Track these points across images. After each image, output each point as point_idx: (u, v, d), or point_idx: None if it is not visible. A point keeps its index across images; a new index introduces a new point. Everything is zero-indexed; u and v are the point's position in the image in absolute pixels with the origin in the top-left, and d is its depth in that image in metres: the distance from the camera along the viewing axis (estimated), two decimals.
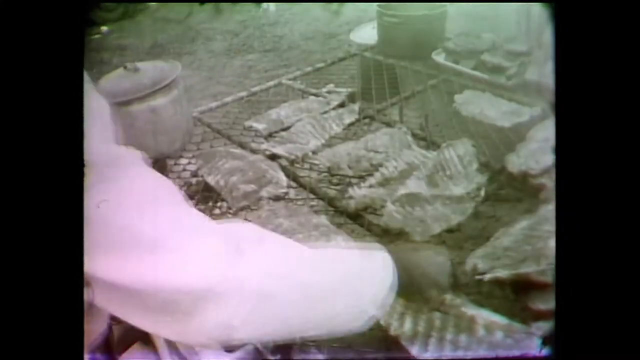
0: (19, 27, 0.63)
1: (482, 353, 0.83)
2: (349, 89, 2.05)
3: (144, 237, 0.63)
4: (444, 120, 1.70)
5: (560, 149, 0.67)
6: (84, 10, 0.65)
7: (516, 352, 0.83)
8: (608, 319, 0.63)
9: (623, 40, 0.67)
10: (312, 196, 1.40)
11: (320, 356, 0.83)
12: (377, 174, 1.41)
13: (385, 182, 1.38)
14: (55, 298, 0.62)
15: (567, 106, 0.67)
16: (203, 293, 0.64)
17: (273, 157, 1.57)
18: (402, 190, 1.29)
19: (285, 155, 1.56)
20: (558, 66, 0.68)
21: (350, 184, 1.42)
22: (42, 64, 0.64)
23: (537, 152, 1.41)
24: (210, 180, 1.49)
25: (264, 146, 1.62)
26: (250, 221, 1.27)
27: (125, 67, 1.59)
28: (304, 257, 0.78)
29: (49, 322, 0.61)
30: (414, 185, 1.30)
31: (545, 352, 0.79)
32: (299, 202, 1.38)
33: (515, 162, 1.38)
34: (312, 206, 1.37)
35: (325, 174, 1.49)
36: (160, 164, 1.68)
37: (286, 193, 1.42)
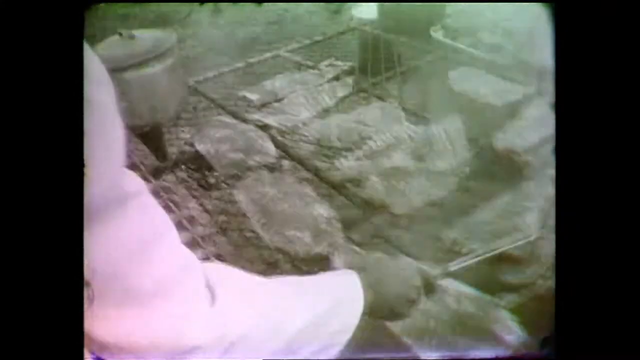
0: (17, 25, 0.62)
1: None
2: (349, 64, 2.05)
3: (137, 291, 0.59)
4: (437, 96, 1.71)
5: (560, 149, 0.67)
6: (82, 10, 0.64)
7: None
8: (608, 319, 0.62)
9: (623, 40, 0.66)
10: (299, 166, 1.42)
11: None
12: (365, 147, 1.43)
13: (372, 155, 1.39)
14: (55, 298, 0.60)
15: (567, 106, 0.66)
16: (190, 348, 0.61)
17: (264, 127, 1.59)
18: (387, 164, 1.31)
19: (275, 126, 1.58)
20: (558, 66, 0.67)
21: (338, 156, 1.43)
22: (42, 64, 0.62)
23: (525, 130, 1.42)
24: (201, 148, 1.51)
25: (256, 116, 1.63)
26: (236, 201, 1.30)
27: (120, 34, 1.60)
28: (278, 293, 0.74)
29: (48, 322, 0.60)
30: (399, 158, 1.32)
31: (545, 352, 0.79)
32: (286, 172, 1.39)
33: (502, 139, 1.39)
34: (298, 176, 1.39)
35: (315, 145, 1.51)
36: (156, 133, 1.71)
37: (274, 163, 1.44)
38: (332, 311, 0.74)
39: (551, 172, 1.27)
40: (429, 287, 0.88)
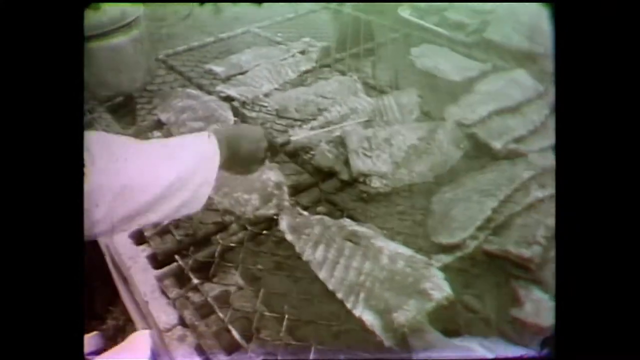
0: (17, 24, 0.65)
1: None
2: (323, 43, 2.06)
3: None
4: (398, 72, 1.75)
5: (561, 149, 0.67)
6: (81, 9, 0.66)
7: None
8: (608, 319, 0.63)
9: (623, 40, 0.66)
10: None
11: (317, 356, 0.84)
12: (321, 118, 1.47)
13: (326, 125, 1.43)
14: (55, 297, 0.63)
15: (567, 106, 0.67)
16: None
17: (226, 98, 1.62)
18: (337, 132, 1.35)
19: (236, 97, 1.61)
20: (558, 66, 0.68)
21: (294, 126, 1.47)
22: (42, 62, 0.65)
23: (475, 103, 1.46)
24: (163, 117, 1.54)
25: (219, 88, 1.66)
26: None
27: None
28: (150, 151, 0.87)
29: (49, 322, 0.62)
30: (350, 129, 1.36)
31: (545, 352, 0.79)
32: None
33: (453, 112, 1.43)
34: None
35: (273, 115, 1.54)
36: (129, 104, 1.74)
37: None
38: (195, 166, 0.88)
39: (496, 143, 1.32)
40: (273, 150, 1.09)
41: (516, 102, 1.47)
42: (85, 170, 0.70)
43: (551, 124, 1.39)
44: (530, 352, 0.81)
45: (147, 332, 1.08)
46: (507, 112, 1.43)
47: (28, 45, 0.64)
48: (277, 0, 1.90)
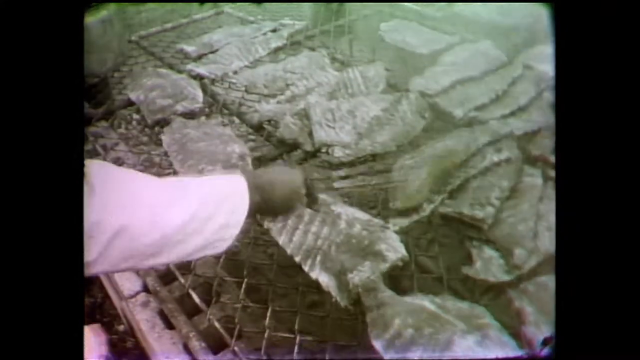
0: (17, 23, 0.63)
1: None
2: (301, 22, 2.07)
3: None
4: (367, 46, 1.76)
5: (560, 149, 0.67)
6: (82, 9, 0.66)
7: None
8: (608, 319, 0.63)
9: (623, 40, 0.66)
10: (225, 111, 1.48)
11: (318, 356, 0.84)
12: (287, 92, 1.49)
13: (292, 99, 1.45)
14: (55, 298, 0.62)
15: (567, 106, 0.67)
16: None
17: (196, 76, 1.64)
18: (302, 105, 1.37)
19: (206, 75, 1.63)
20: (558, 66, 0.68)
21: (262, 101, 1.49)
22: (42, 61, 0.63)
23: (439, 74, 1.48)
24: (133, 96, 1.56)
25: (189, 66, 1.68)
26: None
27: None
28: (159, 188, 0.78)
29: (49, 322, 0.61)
30: (313, 100, 1.38)
31: (545, 352, 0.78)
32: (212, 116, 1.46)
33: (417, 83, 1.46)
34: (222, 120, 1.45)
35: (242, 92, 1.56)
36: (101, 85, 1.75)
37: (201, 108, 1.49)
38: (217, 207, 0.80)
39: (457, 111, 1.34)
40: (312, 198, 1.00)
41: (480, 72, 1.49)
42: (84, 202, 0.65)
43: (513, 92, 1.42)
44: (531, 352, 0.81)
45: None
46: (470, 82, 1.45)
47: (27, 45, 0.63)
48: (277, 0, 1.91)
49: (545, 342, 0.78)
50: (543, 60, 1.52)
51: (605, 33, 0.66)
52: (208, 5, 2.21)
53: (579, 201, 0.65)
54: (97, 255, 0.68)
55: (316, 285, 0.95)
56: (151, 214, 0.73)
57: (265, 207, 0.91)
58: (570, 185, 0.66)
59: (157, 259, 0.75)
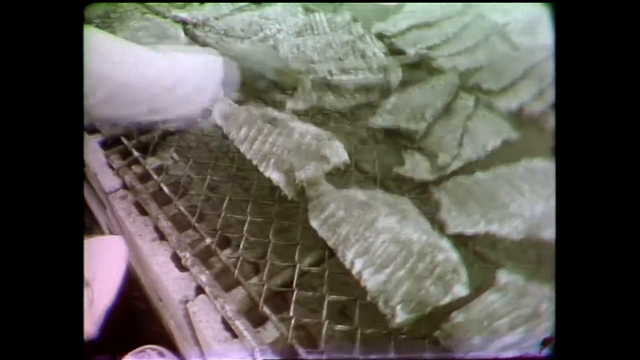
0: (17, 23, 0.64)
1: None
2: None
3: None
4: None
5: (560, 150, 0.67)
6: (81, 8, 0.68)
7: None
8: (608, 319, 0.63)
9: (623, 40, 0.66)
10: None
11: (322, 356, 0.85)
12: (260, 34, 1.64)
13: (264, 39, 1.61)
14: (55, 297, 0.62)
15: (567, 106, 0.67)
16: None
17: (180, 21, 1.79)
18: (269, 43, 1.53)
19: (189, 20, 1.78)
20: (558, 66, 0.68)
21: (236, 42, 1.64)
22: (42, 60, 0.65)
23: (399, 20, 1.64)
24: (119, 34, 1.71)
25: (173, 12, 1.83)
26: None
27: None
28: (151, 56, 0.92)
29: (48, 322, 0.62)
30: (282, 37, 1.53)
31: (545, 352, 0.77)
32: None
33: (378, 27, 1.61)
34: None
35: (221, 35, 1.72)
36: None
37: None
38: (193, 71, 0.94)
39: (409, 50, 1.49)
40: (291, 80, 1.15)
41: (436, 19, 1.64)
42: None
43: (461, 35, 1.57)
44: (530, 352, 0.79)
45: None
46: (425, 26, 1.60)
47: (27, 44, 0.63)
48: (277, 0, 2.02)
49: (544, 343, 0.77)
50: (494, 10, 1.67)
51: (606, 33, 0.66)
52: None
53: (579, 201, 0.65)
54: (101, 101, 0.80)
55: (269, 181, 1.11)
56: (145, 65, 0.87)
57: (245, 82, 1.06)
58: (570, 185, 0.65)
59: (151, 115, 0.90)
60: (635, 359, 0.62)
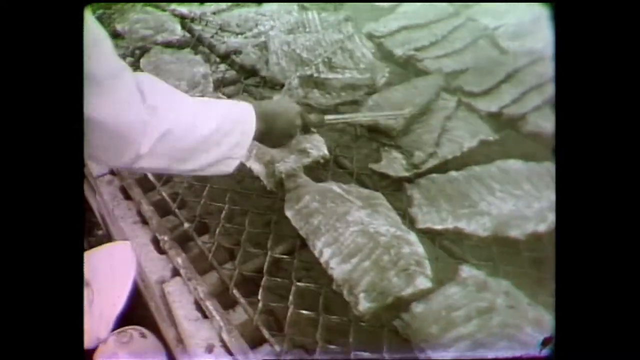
0: (17, 22, 0.64)
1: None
2: None
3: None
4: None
5: (560, 150, 0.67)
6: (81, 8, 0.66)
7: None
8: (608, 319, 0.63)
9: (623, 40, 0.66)
10: (197, 43, 1.68)
11: (326, 357, 0.86)
12: (255, 30, 1.69)
13: (257, 35, 1.65)
14: (55, 297, 0.62)
15: (567, 106, 0.67)
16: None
17: (178, 15, 1.84)
18: (262, 38, 1.57)
19: (186, 14, 1.83)
20: (558, 66, 0.67)
21: (231, 36, 1.69)
22: (41, 60, 0.64)
23: (390, 21, 1.68)
24: (119, 27, 1.76)
25: (172, 6, 1.88)
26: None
27: None
28: (193, 101, 0.89)
29: (49, 322, 0.62)
30: (274, 34, 1.57)
31: (545, 352, 0.77)
32: (185, 46, 1.66)
33: (369, 27, 1.65)
34: (195, 51, 1.65)
35: (217, 29, 1.76)
36: None
37: (178, 40, 1.69)
38: (233, 126, 0.90)
39: (397, 50, 1.53)
40: (306, 129, 1.10)
41: (427, 20, 1.67)
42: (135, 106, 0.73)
43: (450, 38, 1.61)
44: (530, 352, 0.79)
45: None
46: (415, 28, 1.64)
47: (27, 44, 0.63)
48: (278, 0, 2.06)
49: (544, 343, 0.78)
50: (486, 14, 1.70)
51: (605, 33, 0.66)
52: None
53: (579, 202, 0.65)
54: (147, 150, 0.78)
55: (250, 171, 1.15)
56: (190, 122, 0.84)
57: (267, 134, 0.98)
58: (570, 185, 0.65)
59: (187, 164, 0.86)
60: (635, 359, 0.62)
